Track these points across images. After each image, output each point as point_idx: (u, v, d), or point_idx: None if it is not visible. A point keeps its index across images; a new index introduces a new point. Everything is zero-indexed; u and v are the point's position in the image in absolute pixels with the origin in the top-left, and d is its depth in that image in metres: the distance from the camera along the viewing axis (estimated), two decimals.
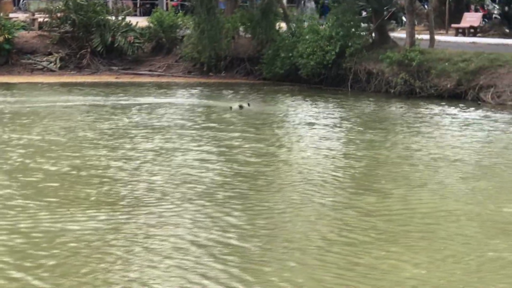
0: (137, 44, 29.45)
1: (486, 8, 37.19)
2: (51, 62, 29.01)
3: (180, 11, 33.67)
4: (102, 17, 29.26)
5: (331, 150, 14.81)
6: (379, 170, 13.15)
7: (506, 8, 35.57)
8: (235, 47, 28.30)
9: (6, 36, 27.92)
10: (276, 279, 7.87)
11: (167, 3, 39.61)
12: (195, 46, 28.17)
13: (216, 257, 8.46)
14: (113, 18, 29.95)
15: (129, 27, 29.65)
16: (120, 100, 22.13)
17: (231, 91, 24.55)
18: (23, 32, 29.52)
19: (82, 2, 29.18)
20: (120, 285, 7.67)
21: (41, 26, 30.53)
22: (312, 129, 17.49)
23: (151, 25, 30.08)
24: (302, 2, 41.42)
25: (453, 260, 8.53)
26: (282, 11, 29.05)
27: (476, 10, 37.10)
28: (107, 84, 26.27)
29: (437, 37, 25.86)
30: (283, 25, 28.46)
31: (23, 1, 40.01)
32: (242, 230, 9.45)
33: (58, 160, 13.32)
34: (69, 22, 29.38)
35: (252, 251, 8.70)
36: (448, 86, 22.44)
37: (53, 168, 12.74)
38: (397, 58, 23.35)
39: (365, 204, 10.71)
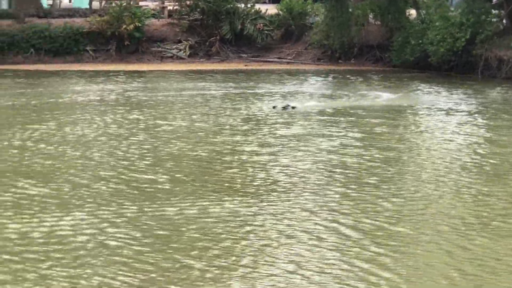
0: (266, 32, 29.78)
1: None
2: (180, 50, 29.64)
3: None
4: (231, 5, 29.75)
5: (472, 136, 14.71)
6: None
7: None
8: (364, 34, 28.28)
9: (137, 24, 28.45)
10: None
11: None
12: (325, 34, 28.30)
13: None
14: (242, 5, 30.41)
15: (258, 15, 30.05)
16: (256, 88, 22.29)
17: (361, 79, 24.56)
18: (153, 20, 30.13)
19: None
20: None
21: (170, 14, 31.24)
22: (450, 115, 17.36)
23: (280, 12, 30.38)
24: None
25: None
26: None
27: None
28: (237, 72, 26.68)
29: None
30: (413, 11, 28.23)
31: None
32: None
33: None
34: (198, 10, 29.98)
35: None
36: None
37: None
38: None
39: None
